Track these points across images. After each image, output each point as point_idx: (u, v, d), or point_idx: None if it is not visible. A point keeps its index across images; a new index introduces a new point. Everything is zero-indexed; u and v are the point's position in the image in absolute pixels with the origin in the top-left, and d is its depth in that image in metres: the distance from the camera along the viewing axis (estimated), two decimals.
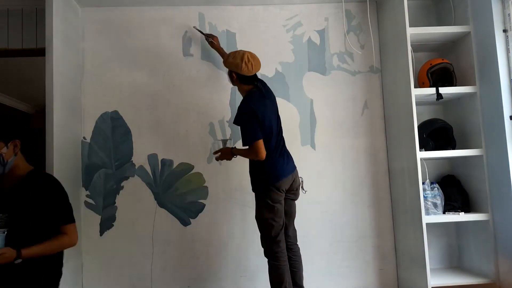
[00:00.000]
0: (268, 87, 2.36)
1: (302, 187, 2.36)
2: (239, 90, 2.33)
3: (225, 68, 2.78)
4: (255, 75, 2.28)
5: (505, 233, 2.26)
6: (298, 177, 2.31)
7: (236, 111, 2.16)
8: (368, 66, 2.87)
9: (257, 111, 2.12)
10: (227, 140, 2.50)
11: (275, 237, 2.15)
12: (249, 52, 2.21)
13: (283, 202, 2.21)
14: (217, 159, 2.38)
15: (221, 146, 2.44)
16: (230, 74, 2.27)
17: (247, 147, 2.17)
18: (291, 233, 2.31)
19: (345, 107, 2.83)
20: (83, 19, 2.79)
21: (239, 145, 2.43)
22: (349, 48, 2.87)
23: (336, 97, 2.83)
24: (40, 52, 2.46)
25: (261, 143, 2.11)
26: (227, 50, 2.81)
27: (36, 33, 2.72)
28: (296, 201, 2.35)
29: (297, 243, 2.35)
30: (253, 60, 2.19)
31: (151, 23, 2.82)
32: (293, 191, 2.29)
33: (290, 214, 2.31)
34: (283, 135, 2.34)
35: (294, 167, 2.29)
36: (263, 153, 2.11)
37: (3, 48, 2.72)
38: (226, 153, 2.33)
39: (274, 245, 2.16)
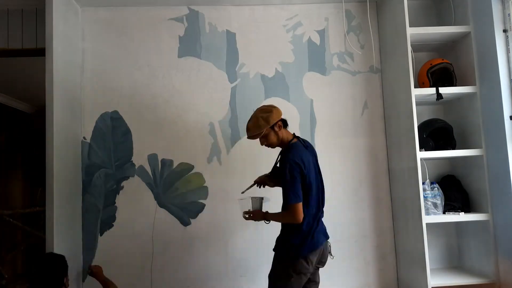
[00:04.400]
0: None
1: (330, 252, 2.11)
2: (281, 140, 2.07)
3: (224, 68, 2.80)
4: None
5: (505, 233, 2.26)
6: (328, 245, 2.10)
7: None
8: (368, 66, 2.87)
9: (302, 166, 1.92)
10: (261, 198, 2.18)
11: None
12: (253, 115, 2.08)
13: (308, 274, 2.00)
14: (246, 218, 2.15)
15: (251, 204, 2.17)
16: (273, 128, 2.03)
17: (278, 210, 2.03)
18: None
19: (345, 107, 2.83)
20: (83, 19, 2.80)
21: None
22: (349, 48, 2.87)
23: (336, 97, 2.83)
24: (40, 52, 2.47)
25: (300, 205, 1.92)
26: (227, 50, 2.82)
27: (36, 33, 2.72)
28: None
29: None
30: (248, 123, 2.06)
31: (151, 23, 2.82)
32: (322, 262, 2.07)
33: (314, 281, 2.11)
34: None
35: (327, 236, 2.08)
36: (300, 216, 1.92)
37: (3, 48, 2.72)
38: (258, 216, 2.12)
39: None
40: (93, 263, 2.63)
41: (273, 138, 2.06)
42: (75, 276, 2.53)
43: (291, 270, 1.95)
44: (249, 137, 2.10)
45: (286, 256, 2.00)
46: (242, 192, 2.24)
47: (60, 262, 2.01)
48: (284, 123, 2.11)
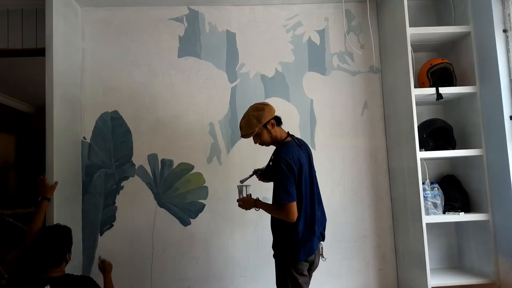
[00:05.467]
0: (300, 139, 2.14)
1: (322, 255, 2.10)
2: (275, 139, 2.05)
3: (224, 68, 2.80)
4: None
5: (505, 233, 2.26)
6: (320, 247, 2.08)
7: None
8: (368, 66, 2.87)
9: (295, 165, 1.90)
10: (246, 186, 2.17)
11: None
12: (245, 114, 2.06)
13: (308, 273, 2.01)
14: (239, 206, 2.15)
15: (241, 192, 2.18)
16: (266, 126, 2.00)
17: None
18: None
19: (345, 107, 2.83)
20: (83, 19, 2.80)
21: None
22: (349, 48, 2.87)
23: (336, 97, 2.83)
24: (40, 52, 2.47)
25: (294, 204, 1.89)
26: (227, 50, 2.82)
27: (36, 33, 2.72)
28: None
29: None
30: (241, 121, 2.03)
31: (151, 23, 2.82)
32: (315, 265, 2.05)
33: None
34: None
35: (321, 239, 2.06)
36: (294, 215, 1.89)
37: (3, 48, 2.72)
38: (248, 203, 2.10)
39: None
40: (92, 263, 2.63)
41: (266, 136, 2.02)
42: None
43: (295, 273, 1.94)
44: (242, 136, 2.06)
45: (287, 261, 1.98)
46: (241, 181, 2.21)
47: (64, 235, 1.98)
48: (278, 120, 2.05)
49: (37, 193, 2.20)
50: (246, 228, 2.70)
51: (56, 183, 2.25)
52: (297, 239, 1.94)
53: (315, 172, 2.11)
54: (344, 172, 2.79)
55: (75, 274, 2.02)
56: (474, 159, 2.47)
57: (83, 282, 1.98)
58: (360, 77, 2.86)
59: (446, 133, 2.53)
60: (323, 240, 2.11)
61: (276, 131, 2.03)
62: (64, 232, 1.99)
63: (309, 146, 2.23)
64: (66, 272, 1.97)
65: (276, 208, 1.95)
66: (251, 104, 2.03)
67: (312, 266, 2.05)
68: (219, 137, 2.76)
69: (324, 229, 2.13)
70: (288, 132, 2.12)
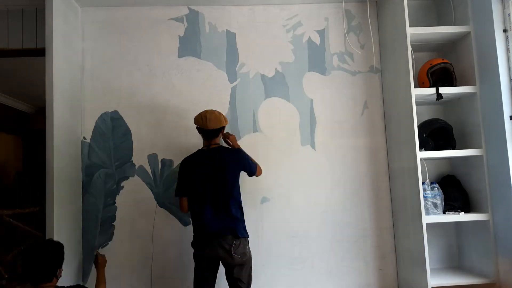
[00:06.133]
0: (222, 150, 2.38)
1: (232, 252, 2.26)
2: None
3: (224, 68, 2.82)
4: (212, 132, 2.35)
5: (505, 233, 2.26)
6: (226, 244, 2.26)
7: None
8: (368, 66, 2.87)
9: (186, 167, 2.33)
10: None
11: None
12: (211, 111, 2.37)
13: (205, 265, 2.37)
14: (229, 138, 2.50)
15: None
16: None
17: None
18: None
19: (345, 107, 2.83)
20: (83, 19, 2.80)
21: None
22: (349, 48, 2.87)
23: (336, 97, 2.83)
24: (40, 52, 2.47)
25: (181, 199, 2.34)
26: (227, 50, 2.83)
27: (36, 33, 2.72)
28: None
29: None
30: (212, 116, 2.33)
31: (150, 23, 2.82)
32: (222, 259, 2.31)
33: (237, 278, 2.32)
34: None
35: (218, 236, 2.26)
36: (183, 209, 2.36)
37: (3, 48, 2.72)
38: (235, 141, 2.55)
39: None
40: (92, 263, 2.63)
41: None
42: (75, 275, 2.53)
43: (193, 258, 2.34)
44: (210, 129, 2.34)
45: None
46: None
47: (55, 251, 1.94)
48: (201, 132, 2.39)
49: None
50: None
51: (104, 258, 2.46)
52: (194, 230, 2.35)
53: (218, 175, 2.29)
54: (344, 172, 2.79)
55: (72, 279, 2.01)
56: (474, 159, 2.47)
57: None
58: (360, 77, 2.86)
59: (446, 133, 2.53)
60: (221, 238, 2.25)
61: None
62: (55, 248, 1.95)
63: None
64: (57, 285, 1.94)
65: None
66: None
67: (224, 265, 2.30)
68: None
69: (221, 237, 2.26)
70: (211, 144, 2.38)
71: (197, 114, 2.38)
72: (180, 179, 2.34)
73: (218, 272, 2.36)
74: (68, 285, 1.99)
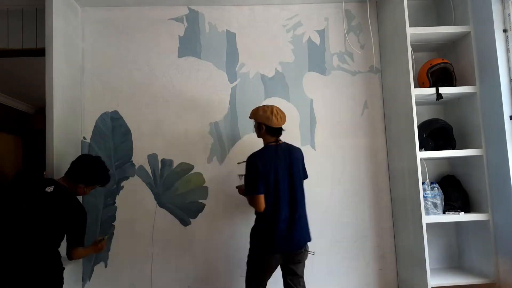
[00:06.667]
0: (290, 147, 2.31)
1: (298, 259, 2.25)
2: (261, 138, 2.35)
3: (224, 68, 2.81)
4: (281, 128, 2.30)
5: (505, 233, 2.26)
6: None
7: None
8: (368, 66, 2.87)
9: (260, 165, 2.18)
10: (242, 175, 2.39)
11: None
12: (276, 107, 2.29)
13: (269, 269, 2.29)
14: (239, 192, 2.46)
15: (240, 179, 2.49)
16: (259, 126, 2.30)
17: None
18: None
19: (345, 107, 2.83)
20: (83, 19, 2.80)
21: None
22: (349, 48, 2.87)
23: (336, 97, 2.83)
24: (40, 52, 2.47)
25: (258, 197, 2.17)
26: (228, 50, 2.82)
27: (36, 33, 2.72)
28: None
29: None
30: (281, 113, 2.27)
31: (151, 23, 2.82)
32: (293, 262, 2.26)
33: (295, 274, 2.30)
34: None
35: (292, 247, 2.19)
36: (261, 206, 2.17)
37: (3, 48, 2.72)
38: (241, 190, 2.43)
39: None
40: (93, 263, 2.63)
41: (256, 130, 2.36)
42: (76, 275, 2.53)
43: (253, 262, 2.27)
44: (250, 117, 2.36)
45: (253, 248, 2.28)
46: (238, 163, 2.48)
47: (94, 167, 2.19)
48: (270, 130, 2.26)
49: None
50: (246, 228, 2.69)
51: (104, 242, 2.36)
52: (261, 231, 2.24)
53: (294, 179, 2.21)
54: (344, 172, 2.79)
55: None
56: (474, 159, 2.47)
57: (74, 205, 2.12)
58: (360, 77, 2.86)
59: (446, 133, 2.53)
60: (294, 250, 2.19)
61: (263, 135, 2.31)
62: (95, 163, 2.20)
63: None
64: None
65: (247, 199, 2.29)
66: (251, 104, 2.14)
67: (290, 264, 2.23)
68: (219, 137, 2.76)
69: (295, 244, 2.19)
70: (277, 140, 2.27)
71: (255, 108, 2.32)
72: (254, 175, 2.18)
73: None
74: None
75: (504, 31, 2.27)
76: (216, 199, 2.72)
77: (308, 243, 2.27)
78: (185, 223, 2.70)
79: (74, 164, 2.17)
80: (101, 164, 2.21)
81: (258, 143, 2.76)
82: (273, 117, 2.22)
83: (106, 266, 2.64)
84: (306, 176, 2.35)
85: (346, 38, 2.87)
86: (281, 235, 2.14)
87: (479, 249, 2.48)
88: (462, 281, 2.37)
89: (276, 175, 2.17)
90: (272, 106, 2.27)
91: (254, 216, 2.28)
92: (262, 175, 2.15)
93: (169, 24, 2.83)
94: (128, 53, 2.79)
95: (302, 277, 2.28)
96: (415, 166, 2.38)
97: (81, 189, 2.15)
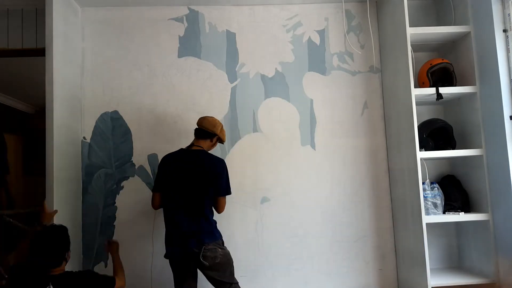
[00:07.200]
0: (204, 157, 2.29)
1: (201, 259, 2.16)
2: (210, 149, 2.40)
3: (224, 68, 2.81)
4: (198, 133, 2.37)
5: (505, 233, 2.26)
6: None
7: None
8: (368, 66, 2.87)
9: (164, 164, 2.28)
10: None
11: None
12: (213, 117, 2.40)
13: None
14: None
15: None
16: (217, 140, 2.39)
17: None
18: None
19: (345, 107, 2.83)
20: (83, 19, 2.80)
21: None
22: (349, 48, 2.87)
23: (336, 97, 2.83)
24: (40, 52, 2.46)
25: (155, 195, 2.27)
26: (227, 50, 2.83)
27: (36, 33, 2.72)
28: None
29: None
30: (209, 117, 2.40)
31: (150, 23, 2.82)
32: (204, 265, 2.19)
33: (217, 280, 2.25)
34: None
35: (186, 248, 2.16)
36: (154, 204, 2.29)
37: (3, 48, 2.72)
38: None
39: None
40: (93, 263, 2.63)
41: (210, 144, 2.39)
42: None
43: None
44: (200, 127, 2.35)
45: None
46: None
47: (61, 235, 1.96)
48: (195, 132, 2.37)
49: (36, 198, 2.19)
50: (246, 228, 2.70)
51: (55, 211, 2.22)
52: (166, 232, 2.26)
53: (198, 182, 2.19)
54: (344, 172, 2.79)
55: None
56: (474, 159, 2.47)
57: (83, 276, 1.98)
58: (360, 77, 2.86)
59: (446, 133, 2.53)
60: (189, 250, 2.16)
61: (213, 146, 2.42)
62: (60, 232, 1.97)
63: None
64: (65, 269, 1.97)
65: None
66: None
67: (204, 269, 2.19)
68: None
69: (196, 246, 2.16)
70: (192, 143, 2.35)
71: (217, 122, 2.37)
72: (157, 174, 2.30)
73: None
74: (78, 270, 2.01)
75: (504, 31, 2.27)
76: None
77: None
78: None
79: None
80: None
81: (258, 143, 2.77)
82: (200, 119, 2.36)
83: (106, 266, 2.64)
84: (221, 192, 2.27)
85: (346, 38, 2.87)
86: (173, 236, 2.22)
87: (479, 249, 2.48)
88: (462, 281, 2.37)
89: (171, 178, 2.21)
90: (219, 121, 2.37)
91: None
92: (163, 176, 2.24)
93: (169, 24, 2.83)
94: (128, 53, 2.79)
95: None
96: (415, 166, 2.38)
97: (68, 256, 1.98)
